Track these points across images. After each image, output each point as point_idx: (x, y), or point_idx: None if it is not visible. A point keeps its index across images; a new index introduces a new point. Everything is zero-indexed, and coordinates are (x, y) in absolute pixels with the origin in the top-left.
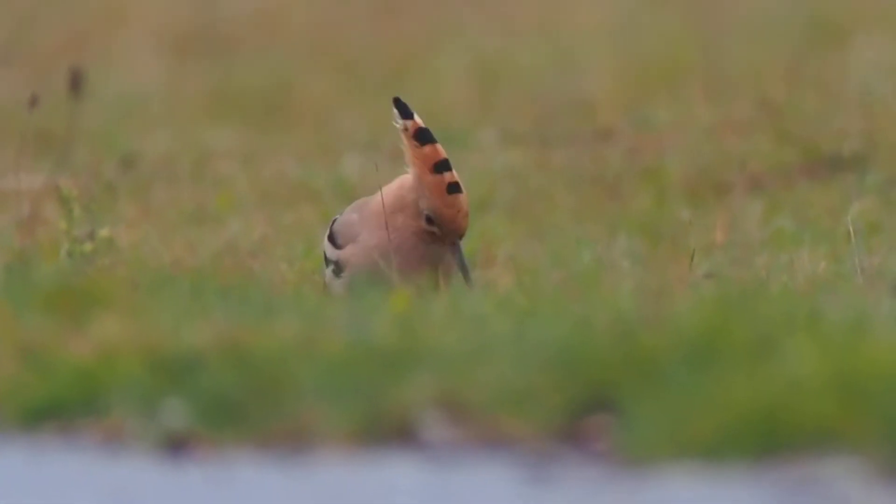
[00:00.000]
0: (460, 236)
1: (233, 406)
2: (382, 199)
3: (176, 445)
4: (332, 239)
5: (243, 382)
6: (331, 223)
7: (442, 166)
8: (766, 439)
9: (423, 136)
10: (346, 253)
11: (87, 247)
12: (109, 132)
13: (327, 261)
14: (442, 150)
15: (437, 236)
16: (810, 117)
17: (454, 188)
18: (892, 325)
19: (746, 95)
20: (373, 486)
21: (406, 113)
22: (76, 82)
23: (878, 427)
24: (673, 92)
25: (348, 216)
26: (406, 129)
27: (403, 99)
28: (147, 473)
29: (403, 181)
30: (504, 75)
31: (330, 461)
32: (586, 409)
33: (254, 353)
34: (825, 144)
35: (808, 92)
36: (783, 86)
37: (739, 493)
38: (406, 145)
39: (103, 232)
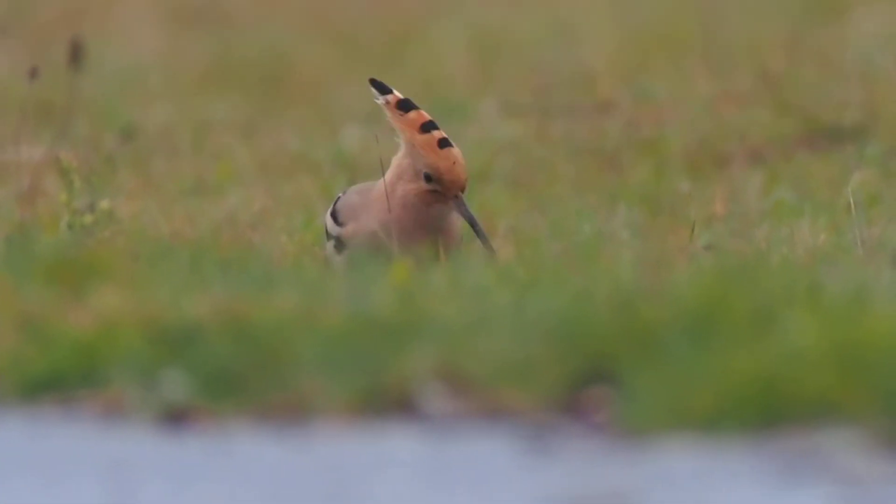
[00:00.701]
0: (462, 189)
1: (232, 378)
2: (385, 180)
3: (175, 417)
4: (334, 216)
5: (243, 354)
6: (335, 200)
7: (429, 126)
8: (766, 411)
9: (405, 105)
10: (349, 230)
11: (88, 218)
12: (109, 104)
13: (328, 235)
14: (426, 114)
15: (439, 194)
16: (810, 89)
17: (445, 142)
18: (892, 296)
19: (746, 67)
20: (372, 457)
21: (384, 89)
22: (76, 54)
23: (877, 398)
24: (672, 64)
25: (351, 197)
26: (388, 103)
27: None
28: (146, 445)
29: (398, 158)
30: (504, 47)
31: (329, 433)
32: (586, 381)
33: (253, 324)
34: (825, 116)
35: (807, 63)
36: (783, 57)
37: (739, 465)
38: (392, 119)
39: (103, 204)
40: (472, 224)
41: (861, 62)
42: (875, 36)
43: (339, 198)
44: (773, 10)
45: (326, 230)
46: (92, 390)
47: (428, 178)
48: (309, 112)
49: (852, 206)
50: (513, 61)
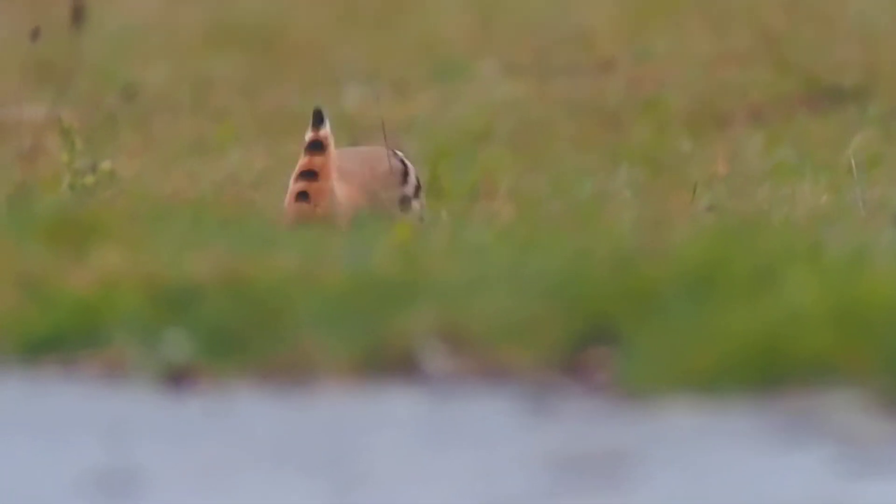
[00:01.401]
0: None
1: (233, 337)
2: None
3: (176, 377)
4: None
5: (244, 314)
6: None
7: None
8: (766, 370)
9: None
10: None
11: (89, 179)
12: (109, 64)
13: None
14: (307, 162)
15: None
16: (810, 48)
17: (300, 196)
18: (892, 256)
19: (746, 26)
20: (373, 417)
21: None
22: (78, 14)
23: (878, 358)
24: (672, 23)
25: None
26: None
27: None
28: (147, 405)
29: None
30: (502, 7)
31: (330, 392)
32: (587, 341)
33: (254, 284)
34: (825, 76)
35: (807, 23)
36: (782, 16)
37: (739, 424)
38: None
39: (105, 165)
40: None
41: (861, 22)
42: None
43: None
44: None
45: None
46: (92, 350)
47: None
48: (309, 72)
49: (853, 166)
50: (512, 21)
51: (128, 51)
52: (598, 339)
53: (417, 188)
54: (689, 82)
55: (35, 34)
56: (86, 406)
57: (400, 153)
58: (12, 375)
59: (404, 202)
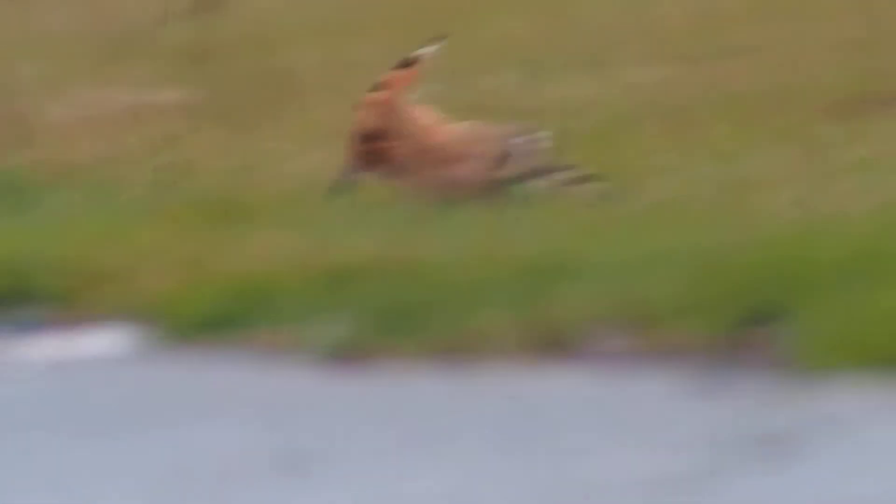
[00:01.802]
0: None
1: (398, 317)
2: None
3: (341, 355)
4: None
5: (409, 293)
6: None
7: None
8: None
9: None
10: None
11: (246, 160)
12: (255, 46)
13: None
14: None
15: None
16: None
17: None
18: None
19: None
20: (540, 395)
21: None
22: None
23: None
24: (807, 6)
25: None
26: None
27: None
28: (312, 383)
29: None
30: None
31: (498, 371)
32: (755, 318)
33: (420, 264)
34: None
35: None
36: None
37: None
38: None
39: (262, 145)
40: None
41: None
42: None
43: None
44: None
45: None
46: (256, 330)
47: None
48: (455, 55)
49: None
50: (655, 6)
51: (272, 33)
52: (765, 317)
53: (526, 174)
54: (839, 67)
55: (192, 12)
56: (249, 385)
57: (521, 139)
58: (177, 355)
59: (494, 184)
